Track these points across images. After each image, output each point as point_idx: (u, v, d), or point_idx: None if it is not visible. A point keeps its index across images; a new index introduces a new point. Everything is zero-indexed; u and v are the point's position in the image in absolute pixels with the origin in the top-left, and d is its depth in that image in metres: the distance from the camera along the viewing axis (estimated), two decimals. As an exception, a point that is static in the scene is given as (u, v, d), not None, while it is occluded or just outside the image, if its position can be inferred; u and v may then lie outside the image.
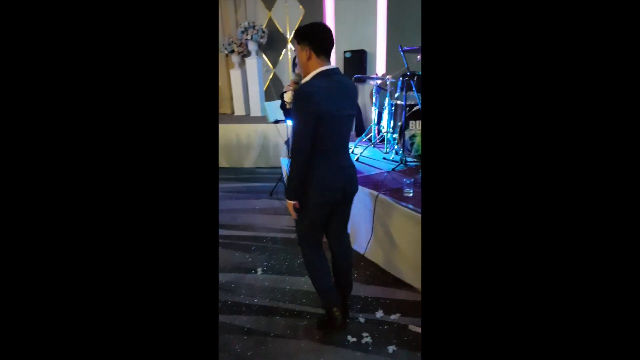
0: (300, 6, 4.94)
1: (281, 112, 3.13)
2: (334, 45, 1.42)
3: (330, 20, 4.79)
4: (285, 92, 1.49)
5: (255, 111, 5.18)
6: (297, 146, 1.34)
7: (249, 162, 4.53)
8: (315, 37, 1.35)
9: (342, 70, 4.71)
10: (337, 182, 1.46)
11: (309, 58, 1.36)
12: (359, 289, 1.98)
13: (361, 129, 4.50)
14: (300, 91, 1.32)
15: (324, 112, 1.32)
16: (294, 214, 1.50)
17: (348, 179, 1.51)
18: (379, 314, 1.79)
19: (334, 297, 1.64)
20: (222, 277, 2.15)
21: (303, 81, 1.40)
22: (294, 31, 1.40)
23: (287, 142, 3.08)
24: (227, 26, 5.40)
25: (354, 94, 1.48)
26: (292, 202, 1.46)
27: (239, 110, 5.46)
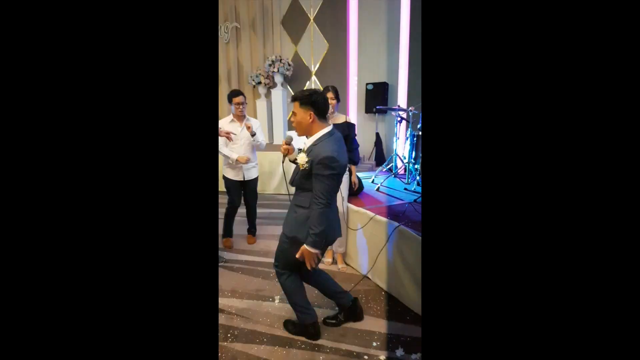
0: (325, 41, 5.18)
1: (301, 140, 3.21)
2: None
3: (353, 54, 4.98)
4: (287, 155, 1.70)
5: (278, 139, 5.32)
6: (327, 202, 1.52)
7: (270, 189, 4.60)
8: (318, 104, 1.55)
9: (364, 101, 4.83)
10: (337, 225, 1.71)
11: (312, 121, 1.55)
12: (379, 325, 1.92)
13: (381, 159, 4.52)
14: (330, 156, 1.49)
15: (342, 169, 1.56)
16: (313, 263, 1.60)
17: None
18: (399, 352, 1.71)
19: (314, 312, 1.83)
20: (240, 304, 2.14)
21: (311, 141, 1.56)
22: (295, 94, 1.59)
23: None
24: (256, 59, 5.71)
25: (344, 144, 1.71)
26: (316, 251, 1.57)
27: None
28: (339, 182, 1.60)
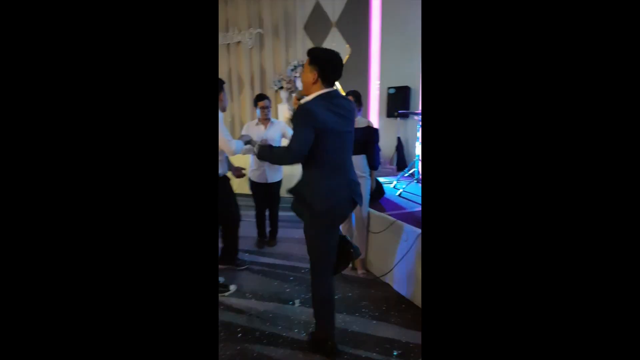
0: (347, 45, 5.19)
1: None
2: (341, 75, 1.47)
3: (375, 58, 4.96)
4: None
5: (299, 142, 5.36)
6: (292, 155, 1.41)
7: (290, 192, 4.63)
8: (326, 66, 1.40)
9: (385, 105, 4.79)
10: (347, 194, 1.55)
11: (314, 82, 1.41)
12: (400, 333, 1.88)
13: (403, 164, 4.46)
14: (301, 107, 1.37)
15: (325, 128, 1.38)
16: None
17: (356, 193, 1.60)
18: (421, 362, 1.68)
19: (333, 330, 1.73)
20: (260, 306, 2.17)
21: (303, 100, 1.45)
22: (310, 49, 1.47)
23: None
24: (278, 64, 5.78)
25: (352, 113, 1.53)
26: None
27: (283, 142, 5.70)
28: (326, 144, 1.40)
